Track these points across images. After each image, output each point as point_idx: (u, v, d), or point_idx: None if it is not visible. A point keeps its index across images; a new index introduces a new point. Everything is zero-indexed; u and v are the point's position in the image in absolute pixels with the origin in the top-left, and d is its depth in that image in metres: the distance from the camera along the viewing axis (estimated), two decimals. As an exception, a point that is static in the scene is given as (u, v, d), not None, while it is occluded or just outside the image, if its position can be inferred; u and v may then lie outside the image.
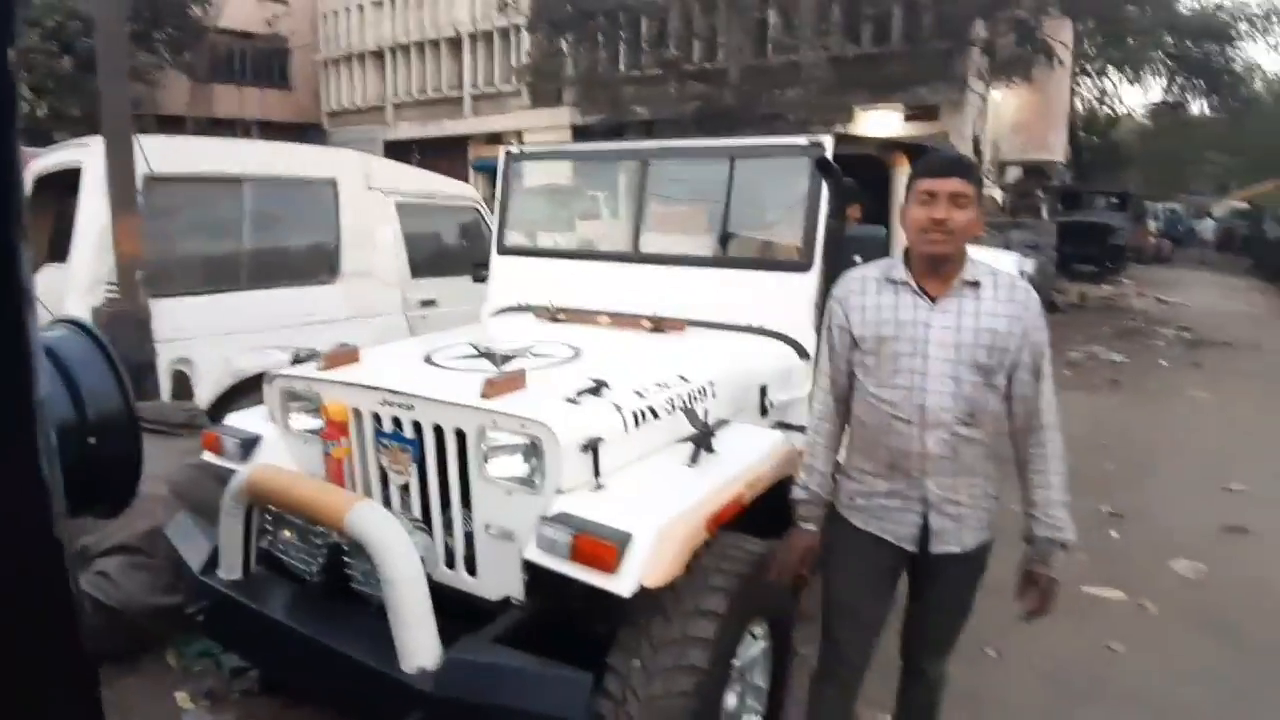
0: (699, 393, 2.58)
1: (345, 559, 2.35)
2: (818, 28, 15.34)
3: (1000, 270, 2.03)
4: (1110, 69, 29.08)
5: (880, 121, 16.83)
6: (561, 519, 1.99)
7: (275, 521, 2.59)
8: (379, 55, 28.31)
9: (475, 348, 2.83)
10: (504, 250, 3.86)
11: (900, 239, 3.18)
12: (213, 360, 4.46)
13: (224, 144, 5.79)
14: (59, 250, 4.47)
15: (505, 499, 2.18)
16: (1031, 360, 1.98)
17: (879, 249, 2.87)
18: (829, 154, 2.98)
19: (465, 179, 13.66)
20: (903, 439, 1.98)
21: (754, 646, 2.35)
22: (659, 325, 3.14)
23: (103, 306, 4.16)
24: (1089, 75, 29.27)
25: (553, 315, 3.41)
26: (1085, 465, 5.65)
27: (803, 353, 3.00)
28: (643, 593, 1.91)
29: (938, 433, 1.95)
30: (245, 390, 4.33)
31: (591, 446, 2.10)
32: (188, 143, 5.54)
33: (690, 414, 2.36)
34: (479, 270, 4.08)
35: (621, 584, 1.87)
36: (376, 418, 2.46)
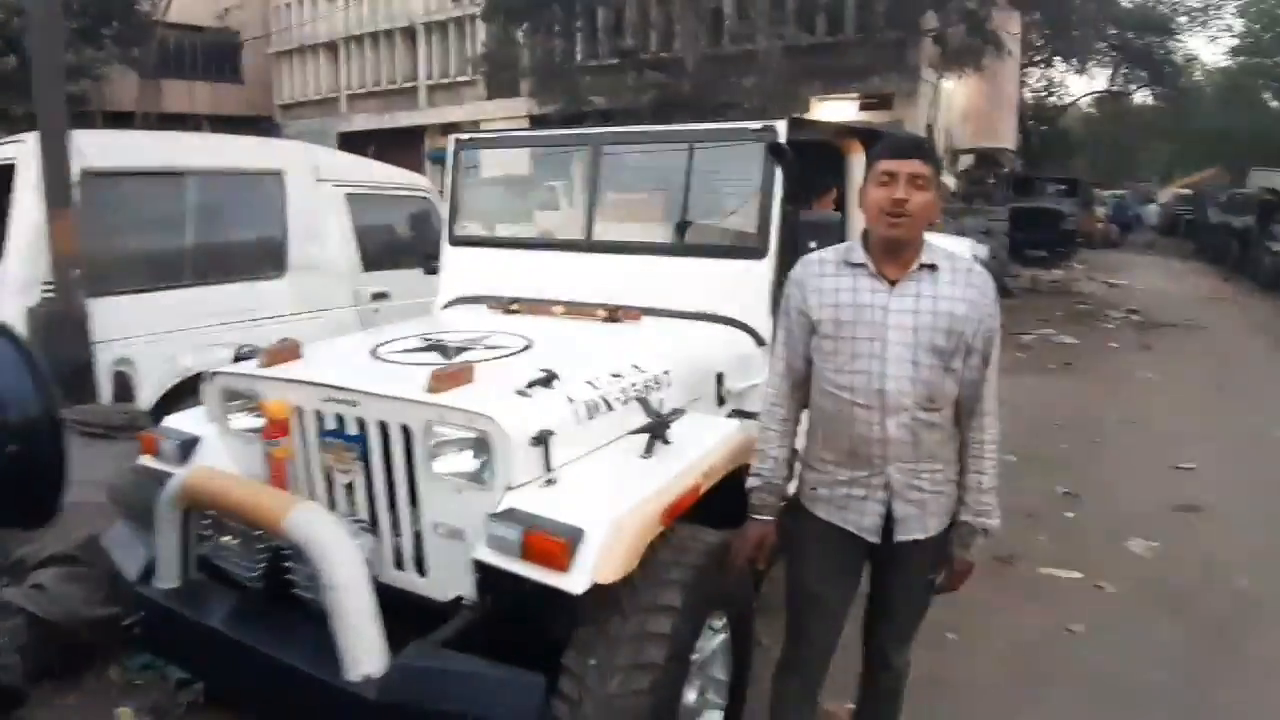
0: (653, 382, 2.52)
1: (287, 564, 2.25)
2: (772, 17, 15.36)
3: (957, 255, 2.01)
4: (1057, 59, 29.69)
5: (835, 111, 16.96)
6: (511, 516, 1.92)
7: (214, 526, 2.48)
8: (332, 47, 27.92)
9: (424, 340, 2.73)
10: (455, 241, 3.76)
11: (856, 226, 3.16)
12: (155, 360, 4.30)
13: (165, 137, 5.59)
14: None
15: (454, 497, 2.10)
16: (983, 346, 1.96)
17: (834, 235, 2.82)
18: (782, 139, 2.93)
19: (420, 171, 13.44)
20: (863, 425, 1.95)
21: (713, 639, 2.30)
22: (614, 314, 3.06)
23: (38, 307, 3.99)
24: (1037, 65, 29.87)
25: (505, 306, 3.32)
26: (1040, 446, 5.74)
27: (759, 339, 2.96)
28: (596, 589, 1.85)
29: (898, 418, 1.92)
30: (190, 390, 4.18)
31: (542, 440, 2.03)
32: (127, 137, 5.37)
33: (644, 404, 2.29)
34: (430, 262, 3.98)
35: (574, 581, 1.81)
36: (319, 415, 2.37)
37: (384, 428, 2.22)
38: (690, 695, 2.17)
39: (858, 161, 3.64)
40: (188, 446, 2.63)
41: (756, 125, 3.03)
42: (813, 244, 2.76)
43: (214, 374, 2.67)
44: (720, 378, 2.82)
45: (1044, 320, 11.45)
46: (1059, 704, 3.02)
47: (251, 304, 4.71)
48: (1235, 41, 29.93)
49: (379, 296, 5.39)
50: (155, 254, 4.55)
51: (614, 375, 2.42)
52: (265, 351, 2.64)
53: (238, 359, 2.77)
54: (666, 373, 2.58)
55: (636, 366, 2.52)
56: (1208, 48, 58.75)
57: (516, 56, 19.55)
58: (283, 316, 4.79)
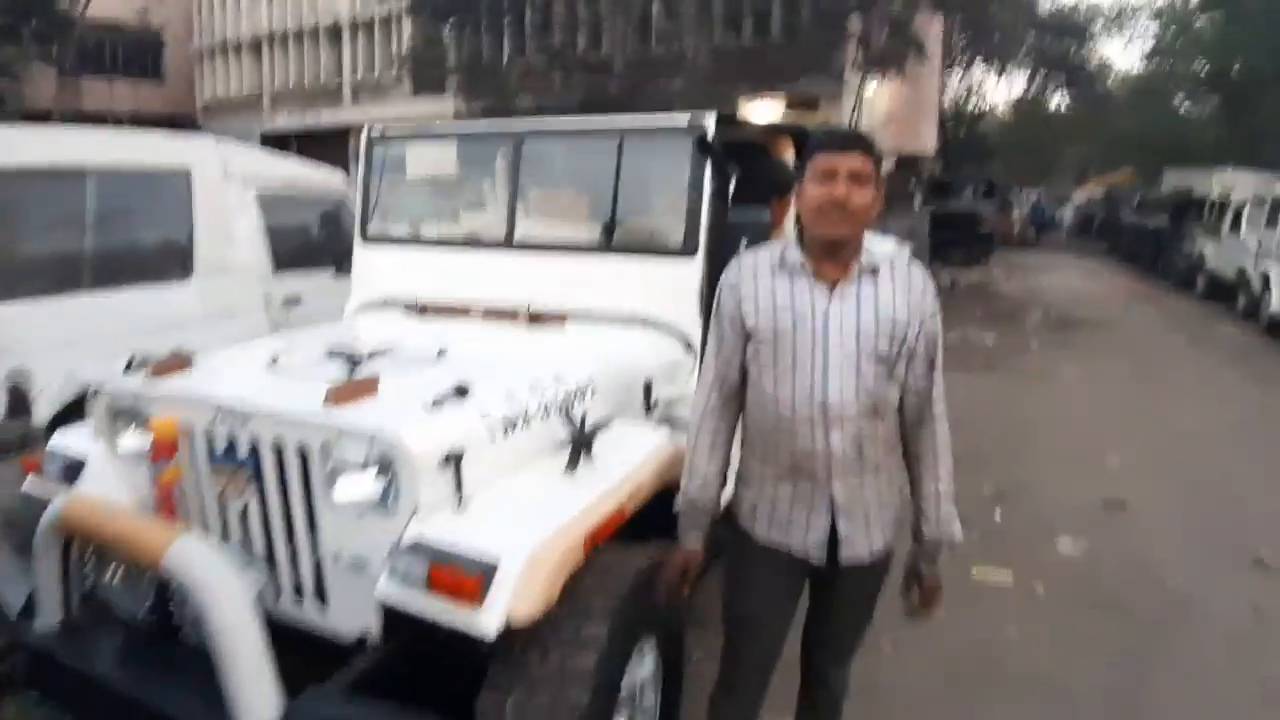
0: (577, 392, 2.36)
1: (172, 600, 2.03)
2: (700, 19, 15.37)
3: (897, 255, 1.90)
4: (977, 64, 30.55)
5: (763, 112, 17.08)
6: (416, 547, 1.74)
7: (99, 557, 2.24)
8: (255, 45, 27.32)
9: (328, 349, 2.52)
10: (368, 240, 3.54)
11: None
12: (53, 371, 3.97)
13: (64, 133, 5.21)
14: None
15: (355, 524, 1.91)
16: (926, 350, 1.84)
17: (764, 234, 2.71)
18: (711, 132, 2.80)
19: (346, 171, 13.04)
20: (804, 439, 1.81)
21: (643, 666, 2.15)
22: (536, 319, 2.90)
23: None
24: (958, 70, 30.70)
25: (421, 310, 3.12)
26: (967, 446, 5.68)
27: (688, 344, 2.82)
28: (512, 628, 1.68)
29: (842, 430, 1.79)
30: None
31: (453, 460, 1.85)
32: (21, 132, 4.97)
33: (567, 417, 2.14)
34: (342, 263, 3.75)
35: (485, 621, 1.64)
36: (209, 435, 2.15)
37: (278, 448, 2.01)
38: (619, 729, 2.03)
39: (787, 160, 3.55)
40: (73, 469, 2.39)
41: (685, 120, 2.89)
42: (743, 242, 2.65)
43: (95, 389, 2.42)
44: (648, 385, 2.66)
45: (965, 321, 11.65)
46: (996, 711, 2.97)
47: (157, 310, 4.42)
48: (1148, 46, 31.20)
49: (292, 300, 5.13)
50: (52, 257, 4.22)
51: (534, 386, 2.25)
52: (153, 363, 2.41)
53: (128, 370, 2.52)
54: (590, 381, 2.42)
55: (558, 376, 2.35)
56: (1122, 53, 61.29)
57: (443, 54, 19.20)
58: (190, 323, 4.51)
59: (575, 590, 1.84)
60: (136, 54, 27.78)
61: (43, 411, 3.95)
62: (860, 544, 1.89)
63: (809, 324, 1.79)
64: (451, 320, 2.99)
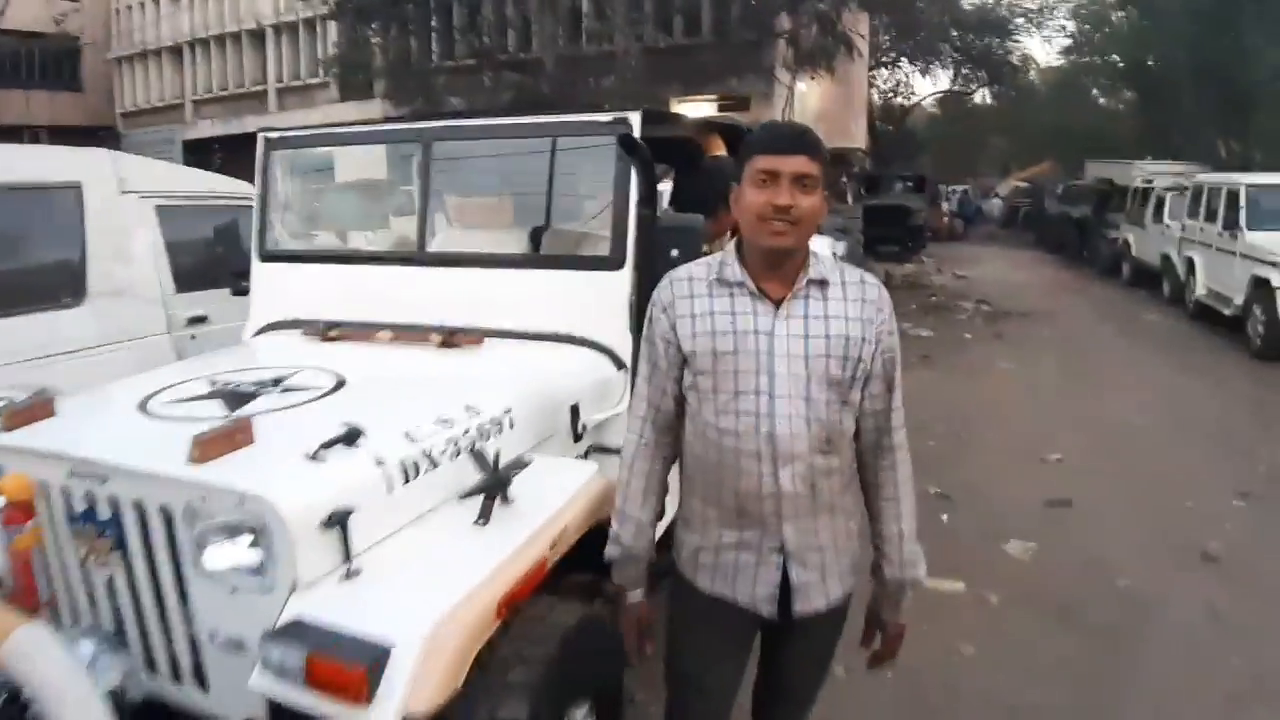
0: (492, 424, 2.10)
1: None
2: (630, 17, 15.20)
3: (847, 265, 1.69)
4: (904, 61, 31.04)
5: (694, 112, 16.94)
6: (292, 631, 1.46)
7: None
8: (176, 51, 26.52)
9: (210, 385, 2.23)
10: (266, 256, 3.23)
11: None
12: (-72, 410, 3.57)
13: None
14: None
15: (229, 599, 1.63)
16: (884, 370, 1.64)
17: (696, 241, 2.49)
18: (637, 131, 2.55)
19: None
20: (751, 478, 1.59)
21: (575, 735, 1.92)
22: (450, 339, 2.63)
23: None
24: (885, 67, 31.18)
25: (324, 333, 2.83)
26: (911, 446, 5.64)
27: (618, 362, 2.58)
28: (412, 720, 1.43)
29: (792, 466, 1.57)
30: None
31: (339, 520, 1.58)
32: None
33: (478, 457, 1.89)
34: (239, 281, 3.44)
35: (375, 718, 1.38)
36: (66, 494, 1.85)
37: (140, 510, 1.73)
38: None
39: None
40: None
41: (607, 117, 2.65)
42: (674, 252, 2.43)
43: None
44: (575, 410, 2.43)
45: (900, 315, 11.48)
46: (958, 737, 2.82)
47: (46, 337, 4.02)
48: (1068, 42, 31.97)
49: (196, 320, 4.75)
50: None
51: (441, 421, 1.98)
52: (7, 410, 2.09)
53: None
54: (508, 411, 2.16)
55: (471, 406, 2.09)
56: (1042, 48, 63.14)
57: (369, 57, 18.68)
58: (84, 350, 4.13)
59: (490, 662, 1.59)
60: (54, 63, 27.01)
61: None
62: (816, 594, 1.68)
63: (752, 347, 1.57)
64: (356, 344, 2.70)
